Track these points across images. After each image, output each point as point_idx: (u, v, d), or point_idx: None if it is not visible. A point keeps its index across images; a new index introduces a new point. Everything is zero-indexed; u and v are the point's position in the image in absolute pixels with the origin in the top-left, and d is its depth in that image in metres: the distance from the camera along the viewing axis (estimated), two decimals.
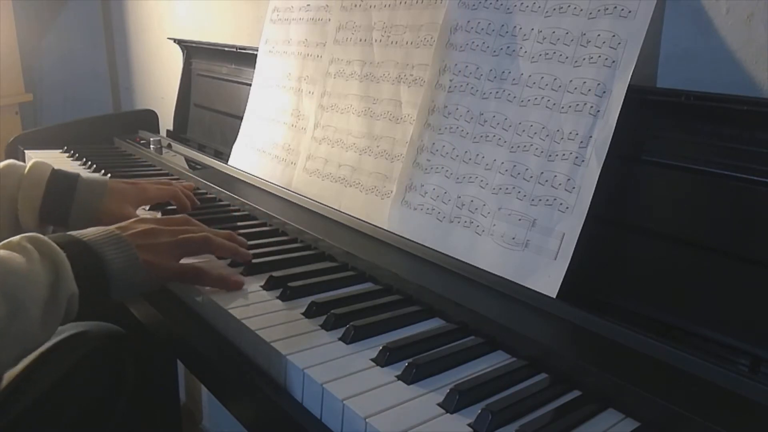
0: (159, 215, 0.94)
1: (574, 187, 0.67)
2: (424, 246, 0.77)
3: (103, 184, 0.89)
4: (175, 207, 0.95)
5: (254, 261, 0.75)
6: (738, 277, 0.60)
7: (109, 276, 0.62)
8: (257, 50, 1.20)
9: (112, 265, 0.62)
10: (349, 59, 0.99)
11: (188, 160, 1.27)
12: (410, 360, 0.54)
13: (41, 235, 0.61)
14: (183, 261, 0.71)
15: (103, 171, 1.18)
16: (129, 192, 0.90)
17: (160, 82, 1.89)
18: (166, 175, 1.21)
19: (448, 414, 0.49)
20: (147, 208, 0.97)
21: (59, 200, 0.85)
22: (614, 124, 0.65)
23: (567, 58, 0.70)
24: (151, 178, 0.99)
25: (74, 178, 0.87)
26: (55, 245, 0.60)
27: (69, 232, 0.64)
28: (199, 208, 0.99)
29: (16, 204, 0.84)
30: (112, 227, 0.67)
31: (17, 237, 0.60)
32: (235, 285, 0.69)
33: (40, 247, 0.59)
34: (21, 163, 0.88)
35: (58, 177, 0.87)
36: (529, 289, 0.66)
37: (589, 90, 0.67)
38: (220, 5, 1.52)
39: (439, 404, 0.50)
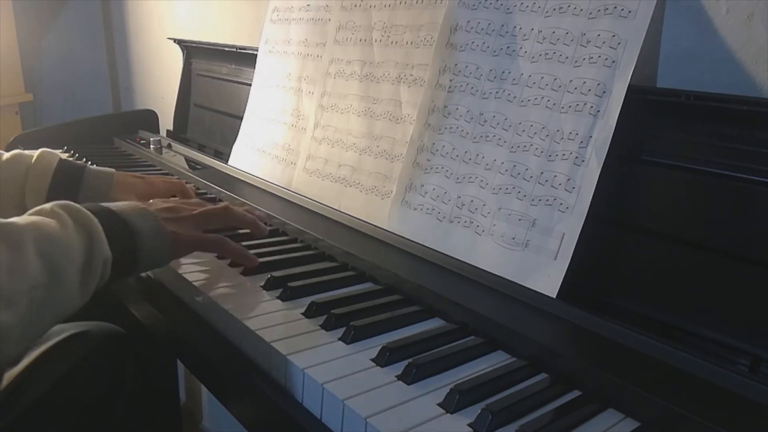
0: None
1: (574, 187, 0.67)
2: (424, 246, 0.77)
3: (109, 176, 0.90)
4: None
5: None
6: (738, 277, 0.60)
7: (139, 243, 0.64)
8: (257, 50, 1.20)
9: (141, 233, 0.64)
10: (349, 59, 0.99)
11: (188, 160, 1.27)
12: (410, 360, 0.54)
13: (73, 203, 0.61)
14: None
15: None
16: (136, 185, 0.92)
17: (160, 82, 1.89)
18: (167, 175, 1.21)
19: (448, 414, 0.49)
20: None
21: (66, 190, 0.86)
22: (614, 124, 0.65)
23: (567, 58, 0.70)
24: (162, 176, 0.99)
25: (81, 168, 0.89)
26: (87, 211, 0.61)
27: (98, 203, 0.65)
28: None
29: (23, 193, 0.84)
30: (137, 202, 0.69)
31: (49, 204, 0.60)
32: (255, 261, 0.73)
33: (74, 214, 0.60)
34: (29, 152, 0.89)
35: (65, 167, 0.88)
36: (529, 289, 0.66)
37: (589, 90, 0.67)
38: (220, 5, 1.52)
39: (439, 404, 0.50)
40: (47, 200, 0.83)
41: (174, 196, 0.97)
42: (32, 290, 0.53)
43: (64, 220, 0.58)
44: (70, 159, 0.91)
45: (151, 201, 0.72)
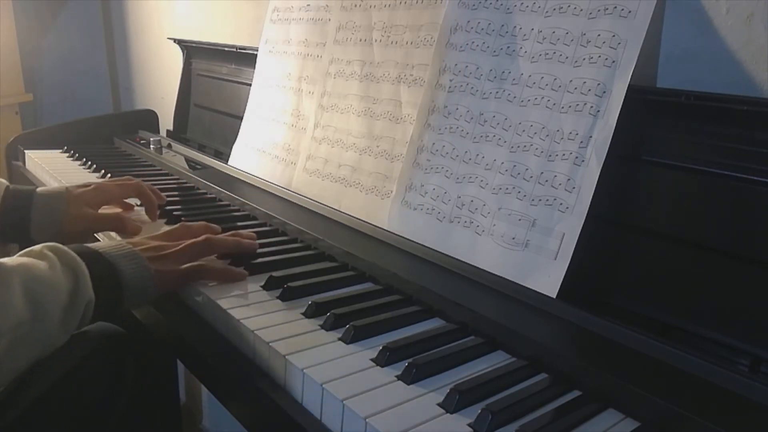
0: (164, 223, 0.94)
1: (574, 187, 0.67)
2: (424, 246, 0.77)
3: (59, 195, 0.89)
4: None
5: (254, 261, 0.75)
6: (738, 277, 0.60)
7: (124, 285, 0.66)
8: (257, 50, 1.20)
9: (125, 274, 0.66)
10: (349, 59, 0.99)
11: (188, 160, 1.27)
12: (410, 360, 0.54)
13: (60, 245, 0.64)
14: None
15: (103, 171, 1.18)
16: (86, 194, 0.91)
17: (160, 82, 1.89)
18: (167, 175, 1.21)
19: (448, 414, 0.49)
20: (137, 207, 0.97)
21: (17, 217, 0.87)
22: (614, 124, 0.65)
23: (567, 58, 0.70)
24: (116, 179, 0.99)
25: (29, 194, 0.89)
26: (74, 254, 0.63)
27: (85, 244, 0.68)
28: (200, 209, 0.99)
29: None
30: (123, 241, 0.71)
31: (39, 246, 0.64)
32: (240, 275, 0.72)
33: (61, 256, 0.63)
34: None
35: (13, 195, 0.88)
36: (529, 289, 0.66)
37: (589, 90, 0.67)
38: (220, 5, 1.52)
39: (439, 404, 0.50)
40: (1, 226, 0.86)
41: (131, 196, 0.97)
42: (16, 328, 0.56)
43: (52, 262, 0.61)
44: (18, 186, 0.91)
45: (136, 239, 0.73)
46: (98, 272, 0.64)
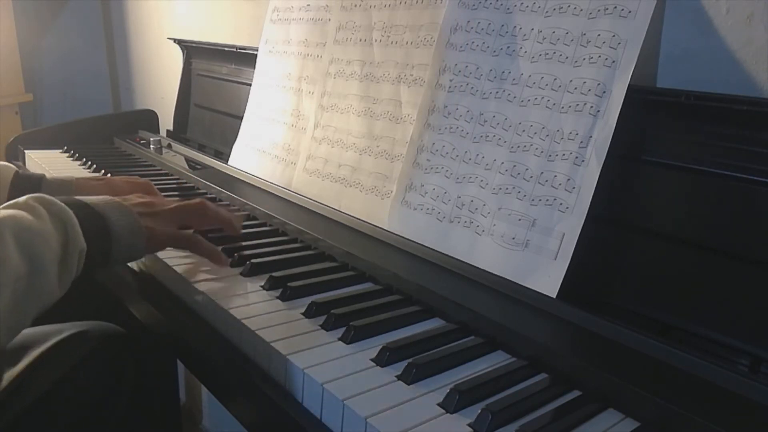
0: None
1: (574, 187, 0.67)
2: (424, 246, 0.77)
3: (68, 185, 0.89)
4: None
5: (254, 261, 0.75)
6: (738, 277, 0.60)
7: (113, 236, 0.64)
8: (257, 50, 1.20)
9: (115, 226, 0.65)
10: (349, 59, 0.99)
11: (188, 160, 1.27)
12: (410, 360, 0.54)
13: (47, 196, 0.62)
14: None
15: (103, 171, 1.18)
16: (97, 188, 0.91)
17: (160, 82, 1.89)
18: (167, 175, 1.21)
19: (448, 414, 0.49)
20: None
21: None
22: (614, 124, 0.65)
23: (567, 58, 0.70)
24: (125, 177, 0.99)
25: (38, 180, 0.88)
26: (62, 204, 0.61)
27: (72, 196, 0.66)
28: None
29: None
30: (113, 197, 0.69)
31: (23, 197, 0.61)
32: (225, 261, 0.73)
33: (48, 206, 0.60)
34: None
35: (22, 180, 0.87)
36: (529, 289, 0.66)
37: (589, 90, 0.67)
38: (220, 5, 1.52)
39: (439, 404, 0.50)
40: None
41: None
42: (15, 281, 0.54)
43: (39, 212, 0.59)
44: (27, 171, 0.90)
45: (127, 196, 0.72)
46: (87, 222, 0.62)
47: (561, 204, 0.67)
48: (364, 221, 0.86)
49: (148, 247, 0.69)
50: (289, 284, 0.68)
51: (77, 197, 0.66)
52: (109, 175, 1.15)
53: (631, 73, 0.64)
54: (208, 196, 1.07)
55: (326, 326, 0.61)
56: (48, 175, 0.90)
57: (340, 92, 0.99)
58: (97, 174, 1.20)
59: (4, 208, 0.60)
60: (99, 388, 0.78)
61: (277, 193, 1.03)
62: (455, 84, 0.80)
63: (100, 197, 0.67)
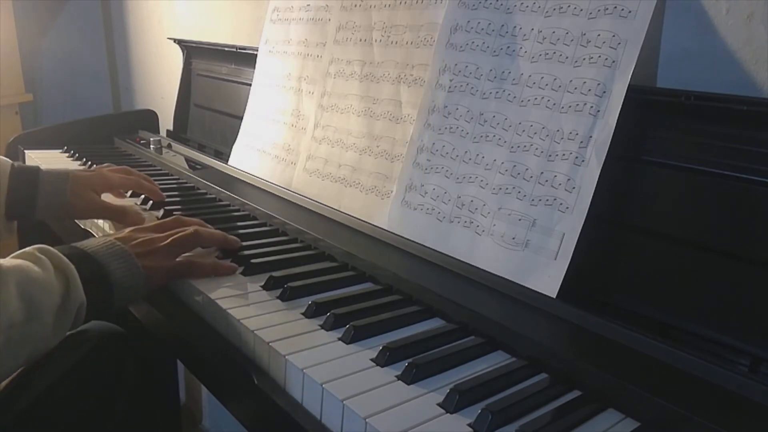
0: (159, 215, 0.94)
1: (574, 187, 0.66)
2: (424, 246, 0.77)
3: (65, 175, 0.91)
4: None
5: (254, 261, 0.75)
6: (738, 277, 0.60)
7: (113, 284, 0.67)
8: (257, 50, 1.20)
9: (115, 274, 0.67)
10: (349, 59, 0.99)
11: (188, 160, 1.27)
12: (410, 360, 0.54)
13: (50, 248, 0.65)
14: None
15: None
16: (92, 179, 0.92)
17: (160, 82, 1.89)
18: (167, 175, 1.21)
19: (448, 414, 0.49)
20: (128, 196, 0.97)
21: (23, 195, 0.88)
22: (614, 124, 0.65)
23: (567, 58, 0.70)
24: (115, 168, 1.00)
25: (35, 171, 0.90)
26: (64, 257, 0.64)
27: (73, 244, 0.68)
28: (200, 209, 0.99)
29: None
30: (111, 238, 0.71)
31: (30, 248, 0.64)
32: (230, 269, 0.74)
33: (53, 260, 0.63)
34: None
35: (20, 172, 0.89)
36: (529, 289, 0.66)
37: (589, 90, 0.67)
38: (219, 5, 1.52)
39: (439, 404, 0.50)
40: (6, 207, 0.86)
41: (130, 189, 1.00)
42: (10, 328, 0.57)
43: (45, 264, 0.62)
44: (22, 163, 0.92)
45: (125, 234, 0.73)
46: (88, 274, 0.64)
47: (561, 204, 0.67)
48: (364, 221, 0.86)
49: (147, 287, 0.70)
50: (289, 284, 0.68)
51: (76, 245, 0.68)
52: (91, 164, 1.16)
53: (631, 73, 0.64)
54: (208, 196, 1.07)
55: (326, 326, 0.61)
56: (43, 168, 0.91)
57: (340, 92, 0.99)
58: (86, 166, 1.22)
59: (13, 256, 0.63)
60: (99, 388, 0.78)
61: (277, 193, 1.02)
62: (455, 84, 0.80)
63: (101, 241, 0.69)
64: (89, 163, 1.26)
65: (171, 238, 0.74)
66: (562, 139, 0.68)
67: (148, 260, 0.70)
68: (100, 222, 0.94)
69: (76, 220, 0.97)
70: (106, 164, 1.02)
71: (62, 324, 0.62)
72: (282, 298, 0.67)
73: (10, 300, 0.57)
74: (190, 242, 0.76)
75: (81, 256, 0.66)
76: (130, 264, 0.68)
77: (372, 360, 0.56)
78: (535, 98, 0.72)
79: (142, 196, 1.00)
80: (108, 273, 0.66)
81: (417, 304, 0.67)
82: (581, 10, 0.69)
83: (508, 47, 0.75)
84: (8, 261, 0.61)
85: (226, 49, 1.37)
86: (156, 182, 1.02)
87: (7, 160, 0.90)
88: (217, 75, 1.43)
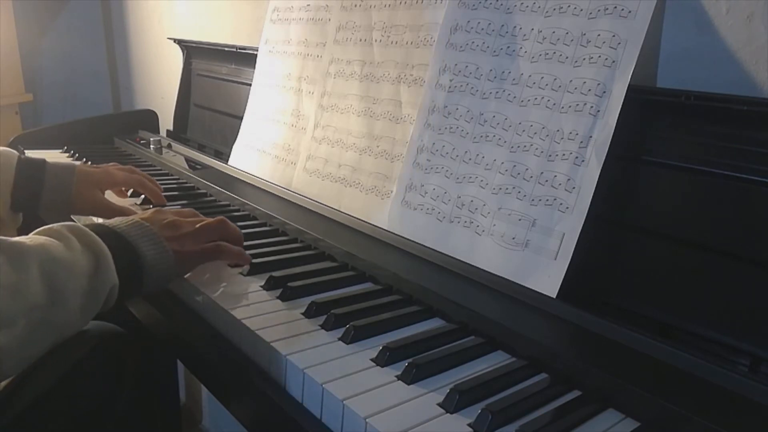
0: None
1: (574, 187, 0.67)
2: (424, 246, 0.77)
3: (71, 169, 0.90)
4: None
5: (254, 261, 0.75)
6: (738, 277, 0.60)
7: (144, 268, 0.64)
8: (257, 50, 1.20)
9: (146, 257, 0.64)
10: (349, 59, 0.99)
11: (188, 160, 1.27)
12: (410, 360, 0.54)
13: (81, 225, 0.61)
14: None
15: None
16: (97, 176, 0.92)
17: (160, 82, 1.89)
18: (167, 175, 1.21)
19: (448, 414, 0.49)
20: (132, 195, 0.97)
21: (29, 187, 0.86)
22: (614, 124, 0.65)
23: (567, 58, 0.70)
24: (120, 167, 1.00)
25: (41, 164, 0.89)
26: (96, 236, 0.60)
27: (102, 222, 0.65)
28: (200, 209, 0.99)
29: None
30: (137, 218, 0.68)
31: (57, 225, 0.60)
32: (249, 259, 0.74)
33: (82, 237, 0.60)
34: None
35: (26, 164, 0.88)
36: (529, 289, 0.66)
37: (589, 90, 0.67)
38: (219, 5, 1.52)
39: (439, 404, 0.50)
40: (12, 198, 0.85)
41: (133, 188, 1.00)
42: (31, 311, 0.53)
43: (71, 242, 0.58)
44: (30, 156, 0.91)
45: (148, 213, 0.71)
46: (120, 255, 0.61)
47: (561, 204, 0.67)
48: (364, 221, 0.86)
49: (177, 272, 0.69)
50: (289, 284, 0.68)
51: (105, 223, 0.65)
52: (90, 162, 1.17)
53: (631, 73, 0.64)
54: (209, 196, 1.07)
55: (326, 326, 0.61)
56: (49, 161, 0.90)
57: (340, 92, 0.99)
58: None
59: (37, 233, 0.59)
60: (99, 388, 0.78)
61: (277, 193, 1.03)
62: (455, 84, 0.80)
63: (129, 221, 0.66)
64: (89, 163, 1.26)
65: (199, 225, 0.72)
66: (562, 139, 0.68)
67: (178, 244, 0.68)
68: (99, 221, 0.94)
69: (72, 216, 0.97)
70: (112, 163, 1.02)
71: (90, 307, 0.58)
72: (282, 298, 0.67)
73: (32, 281, 0.53)
74: (217, 232, 0.74)
75: (112, 234, 0.63)
76: (161, 248, 0.66)
77: (372, 360, 0.56)
78: (535, 98, 0.72)
79: (143, 197, 1.00)
80: (140, 254, 0.63)
81: (417, 304, 0.67)
82: (581, 10, 0.69)
83: (508, 47, 0.75)
84: (32, 239, 0.58)
85: (226, 49, 1.37)
86: (157, 183, 1.02)
87: (14, 151, 0.90)
88: (217, 75, 1.43)
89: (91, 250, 0.59)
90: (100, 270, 0.59)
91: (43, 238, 0.58)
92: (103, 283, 0.59)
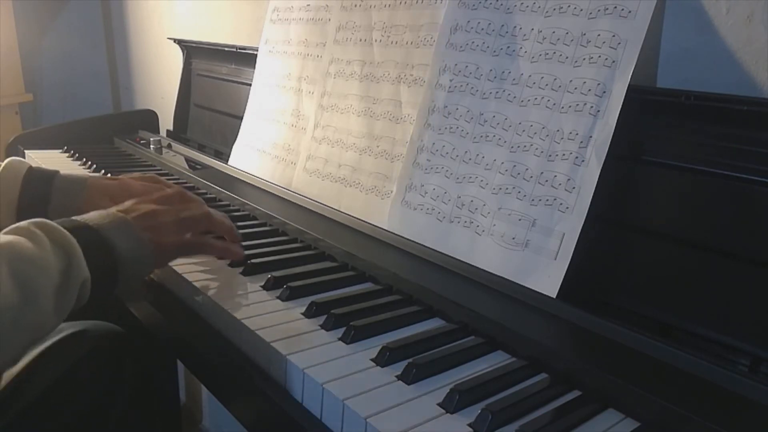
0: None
1: (574, 187, 0.67)
2: (424, 246, 0.77)
3: (81, 183, 0.86)
4: None
5: (254, 261, 0.75)
6: (738, 277, 0.60)
7: (119, 261, 0.62)
8: (257, 50, 1.20)
9: (119, 248, 0.62)
10: (349, 59, 0.99)
11: (188, 160, 1.27)
12: (410, 360, 0.54)
13: (50, 221, 0.60)
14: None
15: (103, 171, 1.18)
16: (110, 187, 0.87)
17: (160, 82, 1.89)
18: (167, 175, 1.21)
19: (448, 414, 0.49)
20: None
21: (35, 200, 0.83)
22: (614, 124, 0.65)
23: (567, 58, 0.70)
24: (140, 175, 0.93)
25: (50, 177, 0.85)
26: (66, 231, 0.59)
27: (73, 217, 0.63)
28: None
29: None
30: (113, 209, 0.66)
31: (25, 222, 0.58)
32: (239, 254, 0.73)
33: (51, 234, 0.58)
34: None
35: (34, 176, 0.84)
36: (529, 289, 0.66)
37: (589, 90, 0.67)
38: (219, 5, 1.52)
39: (439, 404, 0.50)
40: (18, 209, 0.81)
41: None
42: (4, 313, 0.51)
43: (39, 239, 0.56)
44: (41, 167, 0.87)
45: (127, 204, 0.69)
46: (90, 248, 0.59)
47: (561, 204, 0.67)
48: (364, 221, 0.86)
49: (155, 263, 0.67)
50: (289, 284, 0.68)
51: (77, 218, 0.63)
52: (109, 175, 1.15)
53: (631, 73, 0.64)
54: (208, 196, 1.07)
55: (326, 326, 0.61)
56: (61, 172, 0.86)
57: (340, 92, 0.99)
58: (95, 175, 1.19)
59: (5, 232, 0.57)
60: (98, 387, 0.78)
61: (277, 193, 1.03)
62: (455, 84, 0.80)
63: (102, 213, 0.64)
64: (89, 163, 1.26)
65: (182, 215, 0.70)
66: (562, 139, 0.68)
67: (156, 234, 0.66)
68: None
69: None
70: (136, 174, 0.98)
71: (63, 304, 0.56)
72: (282, 298, 0.67)
73: (1, 282, 0.51)
74: (201, 224, 0.72)
75: (82, 228, 0.61)
76: (135, 238, 0.63)
77: (372, 360, 0.56)
78: (535, 98, 0.72)
79: None
80: (112, 246, 0.61)
81: (417, 304, 0.67)
82: (581, 10, 0.69)
83: (508, 47, 0.75)
84: (1, 237, 0.56)
85: (226, 49, 1.37)
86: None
87: (26, 162, 0.87)
88: (217, 75, 1.43)
89: (60, 246, 0.57)
90: (72, 266, 0.57)
91: (10, 237, 0.56)
92: (74, 279, 0.57)
